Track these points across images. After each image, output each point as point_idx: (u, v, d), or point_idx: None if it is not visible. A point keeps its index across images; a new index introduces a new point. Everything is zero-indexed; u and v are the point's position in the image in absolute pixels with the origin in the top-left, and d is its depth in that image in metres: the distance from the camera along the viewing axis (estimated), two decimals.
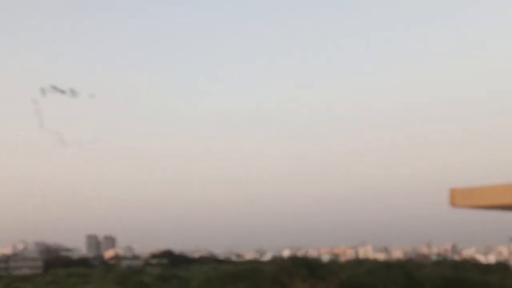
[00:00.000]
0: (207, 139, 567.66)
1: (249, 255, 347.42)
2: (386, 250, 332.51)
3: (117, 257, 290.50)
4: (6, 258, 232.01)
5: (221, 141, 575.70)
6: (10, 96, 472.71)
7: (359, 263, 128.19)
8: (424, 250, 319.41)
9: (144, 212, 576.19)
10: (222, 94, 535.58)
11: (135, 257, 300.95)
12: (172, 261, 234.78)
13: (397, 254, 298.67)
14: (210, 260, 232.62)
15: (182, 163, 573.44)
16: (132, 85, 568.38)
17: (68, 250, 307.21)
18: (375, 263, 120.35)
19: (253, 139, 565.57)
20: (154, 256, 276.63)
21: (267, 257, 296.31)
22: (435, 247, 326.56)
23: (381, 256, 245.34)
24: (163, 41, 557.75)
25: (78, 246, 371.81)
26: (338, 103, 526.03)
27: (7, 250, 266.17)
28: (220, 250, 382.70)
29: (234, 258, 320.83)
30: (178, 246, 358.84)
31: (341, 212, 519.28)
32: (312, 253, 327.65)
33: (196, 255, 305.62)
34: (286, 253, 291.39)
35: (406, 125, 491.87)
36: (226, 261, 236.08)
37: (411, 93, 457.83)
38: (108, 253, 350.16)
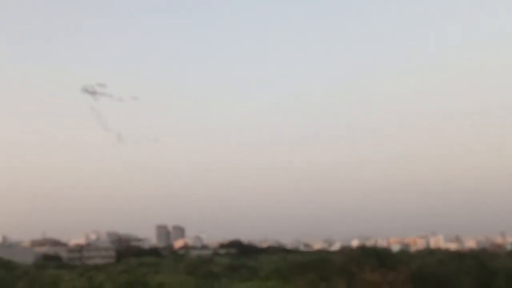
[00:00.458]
0: (262, 130, 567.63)
1: (317, 245, 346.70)
2: (458, 239, 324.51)
3: (186, 247, 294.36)
4: (80, 248, 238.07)
5: (280, 132, 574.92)
6: (72, 102, 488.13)
7: (430, 253, 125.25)
8: (498, 239, 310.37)
9: (212, 203, 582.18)
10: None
11: (204, 247, 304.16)
12: (240, 251, 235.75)
13: (470, 244, 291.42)
14: (278, 250, 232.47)
15: (245, 155, 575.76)
16: (184, 88, 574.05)
17: (139, 240, 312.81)
18: (446, 253, 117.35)
19: (311, 131, 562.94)
20: (222, 246, 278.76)
21: (336, 247, 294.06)
22: (509, 236, 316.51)
23: (452, 246, 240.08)
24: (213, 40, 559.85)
25: (149, 236, 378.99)
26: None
27: (80, 240, 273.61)
28: (288, 240, 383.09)
29: (302, 248, 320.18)
30: (247, 236, 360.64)
31: (411, 201, 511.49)
32: (382, 242, 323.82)
33: (264, 245, 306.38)
34: (354, 243, 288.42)
35: (483, 118, 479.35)
36: (294, 251, 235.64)
37: None
38: (178, 243, 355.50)
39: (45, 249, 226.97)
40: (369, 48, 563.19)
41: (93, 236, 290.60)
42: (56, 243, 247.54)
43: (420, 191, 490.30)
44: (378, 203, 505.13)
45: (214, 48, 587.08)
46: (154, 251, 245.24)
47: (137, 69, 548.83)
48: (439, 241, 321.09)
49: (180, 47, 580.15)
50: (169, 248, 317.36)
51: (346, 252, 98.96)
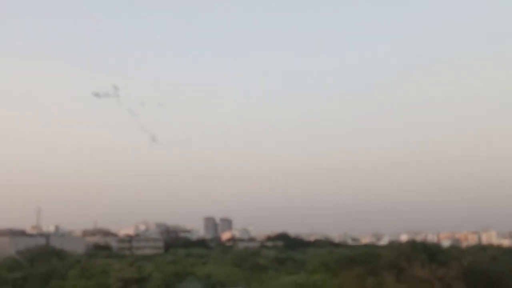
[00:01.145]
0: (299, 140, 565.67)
1: (365, 239, 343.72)
2: (511, 236, 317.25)
3: (233, 239, 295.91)
4: (129, 238, 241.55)
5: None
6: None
7: (482, 249, 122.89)
8: None
9: (260, 196, 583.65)
10: None
11: (251, 239, 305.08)
12: (287, 243, 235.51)
13: None
14: (325, 244, 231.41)
15: (293, 150, 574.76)
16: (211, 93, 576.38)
17: (186, 231, 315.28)
18: (500, 249, 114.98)
19: (366, 124, 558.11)
20: (270, 238, 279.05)
21: (384, 241, 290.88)
22: None
23: (506, 242, 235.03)
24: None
25: (196, 228, 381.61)
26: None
27: (130, 231, 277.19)
28: (335, 233, 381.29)
29: (349, 242, 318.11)
30: (294, 229, 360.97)
31: (463, 196, 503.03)
32: (432, 238, 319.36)
33: (311, 238, 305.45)
34: (403, 237, 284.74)
35: None
36: (341, 245, 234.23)
37: None
38: (225, 235, 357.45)
39: (96, 239, 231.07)
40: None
41: (142, 227, 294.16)
42: (106, 233, 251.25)
43: (472, 186, 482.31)
44: (429, 198, 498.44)
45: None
46: (201, 243, 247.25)
47: (160, 74, 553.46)
48: (491, 237, 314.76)
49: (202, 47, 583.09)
50: (217, 240, 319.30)
51: (395, 246, 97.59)
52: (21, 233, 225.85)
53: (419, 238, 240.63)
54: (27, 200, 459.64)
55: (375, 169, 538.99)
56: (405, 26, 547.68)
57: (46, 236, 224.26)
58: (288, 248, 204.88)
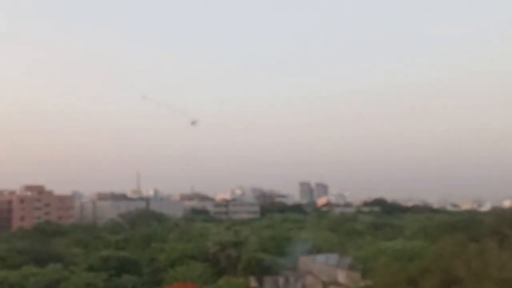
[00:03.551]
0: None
1: (465, 205, 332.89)
2: None
3: (329, 204, 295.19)
4: (226, 203, 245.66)
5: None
6: None
7: None
8: None
9: (356, 160, 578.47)
10: None
11: (347, 205, 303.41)
12: (384, 209, 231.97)
13: None
14: (423, 209, 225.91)
15: (388, 114, 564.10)
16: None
17: (282, 196, 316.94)
18: None
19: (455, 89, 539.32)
20: (366, 204, 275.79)
21: (486, 207, 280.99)
22: None
23: None
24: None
25: (292, 193, 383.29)
26: None
27: (226, 195, 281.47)
28: (434, 199, 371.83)
29: (449, 208, 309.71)
30: (391, 194, 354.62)
31: None
32: None
33: (409, 204, 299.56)
34: (507, 203, 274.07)
35: None
36: (440, 211, 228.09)
37: None
38: (321, 200, 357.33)
39: (193, 203, 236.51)
40: None
41: (238, 192, 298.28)
42: (203, 197, 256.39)
43: None
44: None
45: None
46: (297, 208, 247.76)
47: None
48: None
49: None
50: (312, 205, 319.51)
51: (498, 212, 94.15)
52: (122, 197, 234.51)
53: None
54: (128, 165, 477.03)
55: (476, 134, 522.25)
56: None
57: (146, 200, 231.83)
58: (385, 214, 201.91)
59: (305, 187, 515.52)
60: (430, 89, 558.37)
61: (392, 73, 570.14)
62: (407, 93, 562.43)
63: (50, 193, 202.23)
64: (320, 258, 68.87)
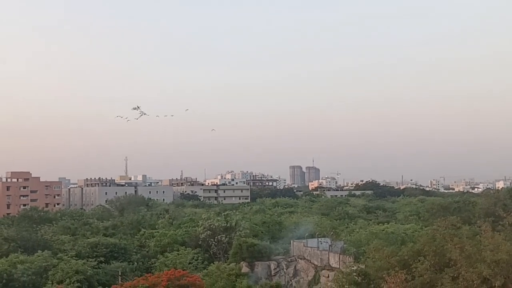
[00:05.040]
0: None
1: (458, 187, 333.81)
2: None
3: (321, 188, 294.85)
4: (216, 188, 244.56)
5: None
6: None
7: None
8: None
9: (346, 143, 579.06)
10: None
11: (339, 188, 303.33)
12: (376, 192, 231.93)
13: None
14: (416, 192, 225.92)
15: (382, 98, 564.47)
16: None
17: (273, 180, 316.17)
18: None
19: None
20: (358, 187, 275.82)
21: (479, 189, 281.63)
22: None
23: None
24: None
25: (283, 177, 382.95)
26: None
27: (216, 180, 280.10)
28: (426, 181, 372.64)
29: (442, 190, 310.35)
30: (383, 177, 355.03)
31: None
32: None
33: (402, 186, 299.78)
34: (500, 185, 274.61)
35: None
36: (433, 193, 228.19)
37: None
38: (312, 184, 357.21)
39: (182, 188, 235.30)
40: None
41: (228, 176, 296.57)
42: (193, 182, 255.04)
43: None
44: None
45: None
46: (288, 192, 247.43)
47: None
48: None
49: None
50: (304, 188, 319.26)
51: (491, 194, 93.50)
52: (110, 183, 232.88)
53: None
54: (116, 151, 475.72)
55: (467, 113, 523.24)
56: None
57: (134, 185, 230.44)
58: (377, 197, 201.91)
59: (296, 171, 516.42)
60: (424, 68, 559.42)
61: (381, 51, 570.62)
62: (400, 72, 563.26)
63: (36, 179, 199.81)
64: (312, 242, 68.03)
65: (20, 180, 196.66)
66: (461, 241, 40.70)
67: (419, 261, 41.22)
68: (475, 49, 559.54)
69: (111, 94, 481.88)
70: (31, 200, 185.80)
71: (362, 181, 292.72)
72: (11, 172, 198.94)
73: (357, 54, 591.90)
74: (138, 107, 74.77)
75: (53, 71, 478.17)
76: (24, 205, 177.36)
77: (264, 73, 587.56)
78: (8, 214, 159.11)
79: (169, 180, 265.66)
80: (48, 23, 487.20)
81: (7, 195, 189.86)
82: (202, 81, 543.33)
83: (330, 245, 65.99)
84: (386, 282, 40.62)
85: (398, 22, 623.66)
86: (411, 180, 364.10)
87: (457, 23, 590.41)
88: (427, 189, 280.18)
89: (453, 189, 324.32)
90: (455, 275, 38.49)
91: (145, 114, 75.58)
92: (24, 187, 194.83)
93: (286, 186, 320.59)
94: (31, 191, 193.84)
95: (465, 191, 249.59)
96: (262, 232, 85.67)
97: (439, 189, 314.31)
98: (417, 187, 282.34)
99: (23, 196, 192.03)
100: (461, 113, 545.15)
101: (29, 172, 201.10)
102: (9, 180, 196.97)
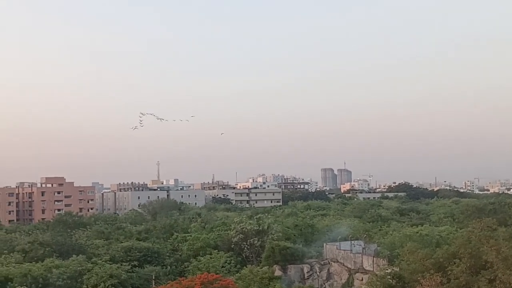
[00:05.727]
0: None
1: (493, 188, 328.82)
2: None
3: (353, 190, 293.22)
4: (248, 191, 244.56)
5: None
6: None
7: None
8: None
9: (379, 146, 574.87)
10: None
11: (371, 190, 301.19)
12: (409, 194, 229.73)
13: None
14: (450, 193, 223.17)
15: (410, 98, 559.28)
16: None
17: (305, 183, 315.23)
18: None
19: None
20: (391, 189, 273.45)
21: None
22: None
23: None
24: None
25: (314, 179, 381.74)
26: None
27: (248, 184, 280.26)
28: (460, 183, 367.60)
29: (476, 191, 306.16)
30: (416, 179, 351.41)
31: None
32: None
33: (435, 188, 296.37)
34: None
35: None
36: (467, 194, 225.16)
37: None
38: (344, 187, 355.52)
39: (214, 192, 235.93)
40: None
41: (260, 180, 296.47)
42: (225, 186, 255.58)
43: None
44: None
45: None
46: (320, 194, 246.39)
47: None
48: None
49: None
50: (336, 191, 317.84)
51: None
52: (143, 187, 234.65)
53: None
54: (148, 156, 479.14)
55: (507, 111, 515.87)
56: None
57: (167, 189, 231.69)
58: (410, 199, 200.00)
59: (328, 174, 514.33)
60: (454, 69, 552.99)
61: (414, 49, 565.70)
62: (430, 72, 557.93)
63: (70, 184, 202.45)
64: (345, 245, 67.64)
65: (54, 185, 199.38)
66: (497, 243, 40.13)
67: (455, 263, 40.75)
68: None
69: (142, 100, 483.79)
70: (66, 205, 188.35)
71: (394, 183, 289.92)
72: (46, 178, 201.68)
73: (388, 52, 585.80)
74: (143, 114, 76.02)
75: (86, 80, 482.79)
76: (59, 210, 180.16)
77: (296, 73, 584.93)
78: (43, 219, 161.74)
79: (201, 184, 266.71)
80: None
81: (42, 201, 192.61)
82: (233, 86, 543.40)
83: (363, 248, 65.56)
84: (421, 285, 40.23)
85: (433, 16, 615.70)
86: (445, 181, 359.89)
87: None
88: (461, 190, 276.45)
89: (488, 190, 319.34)
90: (491, 278, 37.97)
91: (161, 119, 76.65)
92: (59, 192, 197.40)
93: (317, 189, 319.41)
94: (65, 196, 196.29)
95: (500, 192, 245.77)
96: (294, 235, 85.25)
97: (473, 191, 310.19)
98: (451, 188, 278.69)
99: (58, 201, 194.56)
100: (494, 112, 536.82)
101: (63, 177, 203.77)
102: (43, 185, 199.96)
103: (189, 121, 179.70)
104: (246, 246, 79.14)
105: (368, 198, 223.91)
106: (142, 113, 75.53)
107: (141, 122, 78.31)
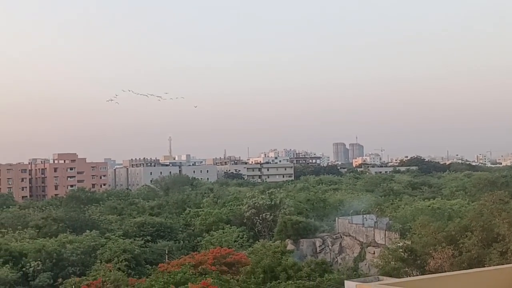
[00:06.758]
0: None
1: (506, 162, 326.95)
2: None
3: (365, 165, 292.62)
4: (259, 166, 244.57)
5: None
6: None
7: None
8: None
9: (390, 120, 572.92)
10: None
11: (383, 164, 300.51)
12: (421, 168, 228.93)
13: None
14: (462, 167, 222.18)
15: (421, 72, 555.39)
16: None
17: (317, 157, 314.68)
18: None
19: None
20: (402, 163, 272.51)
21: None
22: None
23: None
24: None
25: (326, 154, 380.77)
26: None
27: (259, 159, 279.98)
28: (472, 156, 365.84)
29: (488, 164, 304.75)
30: (428, 152, 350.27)
31: None
32: None
33: (447, 161, 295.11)
34: None
35: None
36: (480, 168, 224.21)
37: None
38: (356, 161, 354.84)
39: (226, 167, 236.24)
40: None
41: (271, 155, 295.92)
42: (236, 161, 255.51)
43: None
44: None
45: None
46: (332, 169, 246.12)
47: None
48: None
49: None
50: (347, 165, 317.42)
51: None
52: (155, 163, 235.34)
53: None
54: (159, 131, 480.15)
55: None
56: None
57: (179, 165, 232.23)
58: (422, 173, 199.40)
59: (340, 148, 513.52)
60: (468, 43, 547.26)
61: (427, 24, 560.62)
62: (441, 47, 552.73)
63: (83, 160, 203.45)
64: (357, 219, 67.80)
65: (67, 161, 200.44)
66: (510, 216, 40.11)
67: (466, 236, 40.79)
68: None
69: (151, 75, 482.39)
70: (78, 181, 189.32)
71: (406, 157, 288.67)
72: (58, 154, 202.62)
73: (402, 27, 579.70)
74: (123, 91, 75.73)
75: (97, 53, 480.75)
76: (71, 186, 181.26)
77: (306, 47, 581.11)
78: (56, 195, 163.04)
79: (213, 159, 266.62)
80: None
81: (55, 177, 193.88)
82: (242, 59, 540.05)
83: (375, 222, 65.73)
84: (433, 258, 40.35)
85: None
86: (457, 155, 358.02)
87: None
88: (474, 164, 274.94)
89: (500, 163, 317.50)
90: (503, 250, 37.98)
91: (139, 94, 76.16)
92: (71, 169, 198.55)
93: (329, 164, 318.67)
94: (78, 172, 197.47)
95: None
96: (306, 210, 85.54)
97: (485, 164, 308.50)
98: (463, 162, 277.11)
99: (70, 177, 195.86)
100: (507, 85, 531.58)
101: (75, 153, 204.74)
102: (56, 161, 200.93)
103: (161, 98, 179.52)
104: (259, 220, 79.59)
105: (380, 172, 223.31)
106: (123, 90, 75.14)
107: (116, 97, 78.22)
